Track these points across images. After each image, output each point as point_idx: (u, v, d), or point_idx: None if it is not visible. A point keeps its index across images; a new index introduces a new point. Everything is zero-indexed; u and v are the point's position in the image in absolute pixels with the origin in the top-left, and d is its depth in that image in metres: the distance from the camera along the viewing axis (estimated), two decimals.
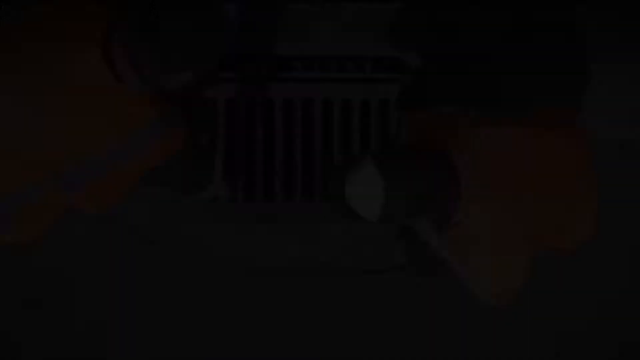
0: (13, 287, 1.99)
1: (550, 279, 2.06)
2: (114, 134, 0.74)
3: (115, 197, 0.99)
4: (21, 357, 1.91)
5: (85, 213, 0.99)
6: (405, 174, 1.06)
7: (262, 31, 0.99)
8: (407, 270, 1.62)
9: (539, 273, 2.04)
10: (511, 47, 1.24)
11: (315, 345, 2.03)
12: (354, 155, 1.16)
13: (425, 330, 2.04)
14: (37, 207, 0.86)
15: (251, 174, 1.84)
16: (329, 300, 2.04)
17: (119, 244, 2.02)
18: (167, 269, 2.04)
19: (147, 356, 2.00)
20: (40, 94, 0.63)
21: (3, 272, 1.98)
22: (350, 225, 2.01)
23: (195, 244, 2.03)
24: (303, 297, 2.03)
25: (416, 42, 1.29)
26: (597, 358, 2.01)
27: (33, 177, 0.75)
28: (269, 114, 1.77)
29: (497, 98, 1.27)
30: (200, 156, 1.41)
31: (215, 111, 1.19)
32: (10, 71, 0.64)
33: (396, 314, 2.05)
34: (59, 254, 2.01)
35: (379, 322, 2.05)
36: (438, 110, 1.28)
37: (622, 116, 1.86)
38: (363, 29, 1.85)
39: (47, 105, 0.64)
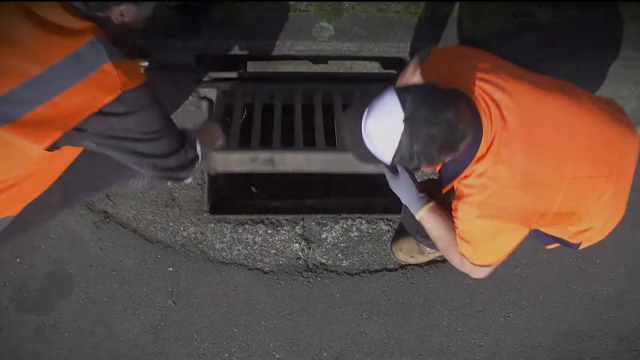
0: (13, 287, 1.98)
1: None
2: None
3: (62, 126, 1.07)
4: (20, 357, 1.90)
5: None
6: (428, 108, 1.03)
7: None
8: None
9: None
10: None
11: (315, 344, 2.01)
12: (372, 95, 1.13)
13: (425, 329, 2.03)
14: None
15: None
16: (328, 300, 2.02)
17: (118, 243, 2.01)
18: (167, 268, 2.03)
19: (147, 356, 1.99)
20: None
21: (3, 272, 1.96)
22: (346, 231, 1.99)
23: (195, 243, 2.02)
24: (303, 296, 2.01)
25: None
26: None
27: None
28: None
29: None
30: None
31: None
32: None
33: (396, 313, 2.03)
34: (59, 253, 2.00)
35: (379, 322, 2.03)
36: None
37: None
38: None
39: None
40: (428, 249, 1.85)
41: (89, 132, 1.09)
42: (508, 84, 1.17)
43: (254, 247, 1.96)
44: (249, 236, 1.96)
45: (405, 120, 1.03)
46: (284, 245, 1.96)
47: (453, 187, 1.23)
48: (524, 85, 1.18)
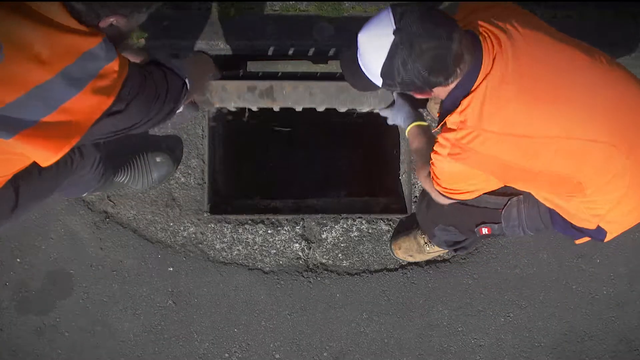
0: (13, 287, 1.98)
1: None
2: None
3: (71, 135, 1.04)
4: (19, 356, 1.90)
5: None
6: (421, 23, 1.00)
7: None
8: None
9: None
10: None
11: (315, 342, 2.01)
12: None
13: (424, 329, 2.03)
14: None
15: None
16: (328, 300, 2.02)
17: (118, 243, 2.01)
18: (168, 268, 2.03)
19: (147, 356, 1.99)
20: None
21: (3, 272, 1.96)
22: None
23: (195, 243, 2.02)
24: (303, 296, 2.01)
25: None
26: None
27: None
28: None
29: None
30: None
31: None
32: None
33: (396, 313, 2.03)
34: (59, 253, 2.00)
35: (379, 321, 2.03)
36: None
37: None
38: None
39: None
40: (428, 248, 1.85)
41: (95, 133, 1.08)
42: (519, 30, 1.11)
43: (254, 247, 1.96)
44: (249, 236, 1.96)
45: (396, 31, 1.01)
46: (284, 245, 1.96)
47: None
48: (536, 34, 1.12)
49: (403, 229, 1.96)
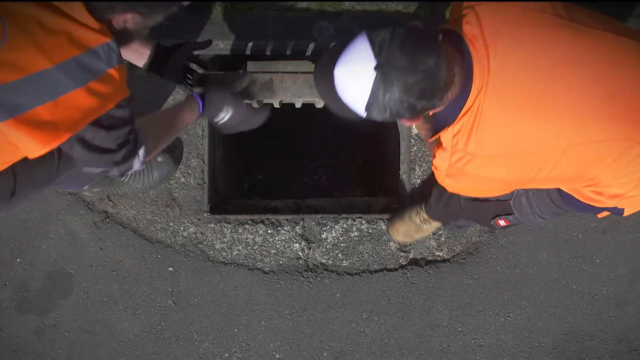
0: (13, 287, 1.98)
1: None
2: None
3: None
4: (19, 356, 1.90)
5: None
6: (404, 54, 0.91)
7: None
8: None
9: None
10: None
11: (315, 341, 2.01)
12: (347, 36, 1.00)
13: (424, 328, 2.03)
14: None
15: None
16: (328, 300, 2.02)
17: (118, 243, 2.01)
18: (167, 268, 2.03)
19: (147, 356, 1.99)
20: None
21: (3, 272, 1.96)
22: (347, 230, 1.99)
23: (195, 243, 2.02)
24: (303, 296, 2.02)
25: None
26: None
27: None
28: None
29: None
30: None
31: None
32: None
33: (396, 313, 2.03)
34: (59, 253, 2.00)
35: (379, 321, 2.03)
36: None
37: None
38: None
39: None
40: (425, 226, 1.83)
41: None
42: (510, 29, 1.03)
43: (254, 247, 1.96)
44: (249, 236, 1.96)
45: (377, 67, 0.92)
46: (284, 245, 1.96)
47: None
48: (527, 31, 1.02)
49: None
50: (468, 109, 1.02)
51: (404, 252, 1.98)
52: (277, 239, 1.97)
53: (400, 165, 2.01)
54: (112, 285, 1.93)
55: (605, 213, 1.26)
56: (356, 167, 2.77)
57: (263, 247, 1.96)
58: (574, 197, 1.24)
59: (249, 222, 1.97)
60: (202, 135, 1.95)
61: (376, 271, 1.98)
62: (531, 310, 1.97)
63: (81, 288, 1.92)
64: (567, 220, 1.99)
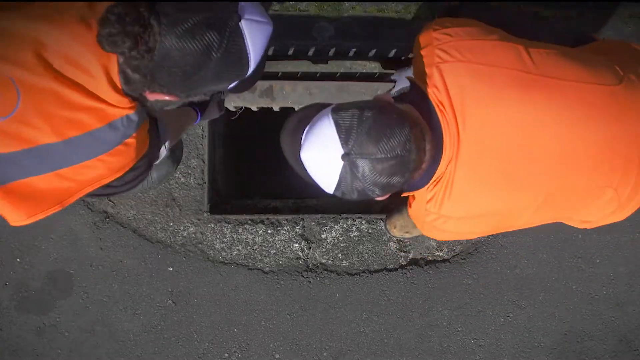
0: (13, 287, 1.98)
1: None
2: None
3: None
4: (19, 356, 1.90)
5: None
6: (371, 141, 0.88)
7: None
8: None
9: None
10: None
11: (316, 341, 2.01)
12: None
13: (423, 328, 2.03)
14: None
15: None
16: (328, 300, 2.02)
17: (118, 243, 2.01)
18: (167, 268, 2.03)
19: (147, 356, 1.99)
20: None
21: (3, 272, 1.96)
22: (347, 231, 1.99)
23: (195, 243, 2.02)
24: (303, 296, 2.01)
25: None
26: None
27: None
28: None
29: None
30: None
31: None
32: None
33: (396, 313, 2.03)
34: (59, 253, 2.00)
35: (379, 320, 2.03)
36: None
37: None
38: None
39: None
40: None
41: None
42: (477, 93, 0.99)
43: (254, 247, 1.96)
44: (249, 236, 1.96)
45: (344, 156, 0.89)
46: (284, 245, 1.96)
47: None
48: (497, 88, 0.98)
49: (395, 207, 1.95)
50: (439, 178, 1.01)
51: (404, 252, 1.98)
52: (277, 239, 1.97)
53: None
54: (112, 285, 1.93)
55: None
56: None
57: (263, 247, 1.96)
58: None
59: (249, 222, 1.97)
60: (202, 135, 1.95)
61: (376, 271, 1.98)
62: (531, 310, 1.97)
63: (81, 288, 1.92)
64: None
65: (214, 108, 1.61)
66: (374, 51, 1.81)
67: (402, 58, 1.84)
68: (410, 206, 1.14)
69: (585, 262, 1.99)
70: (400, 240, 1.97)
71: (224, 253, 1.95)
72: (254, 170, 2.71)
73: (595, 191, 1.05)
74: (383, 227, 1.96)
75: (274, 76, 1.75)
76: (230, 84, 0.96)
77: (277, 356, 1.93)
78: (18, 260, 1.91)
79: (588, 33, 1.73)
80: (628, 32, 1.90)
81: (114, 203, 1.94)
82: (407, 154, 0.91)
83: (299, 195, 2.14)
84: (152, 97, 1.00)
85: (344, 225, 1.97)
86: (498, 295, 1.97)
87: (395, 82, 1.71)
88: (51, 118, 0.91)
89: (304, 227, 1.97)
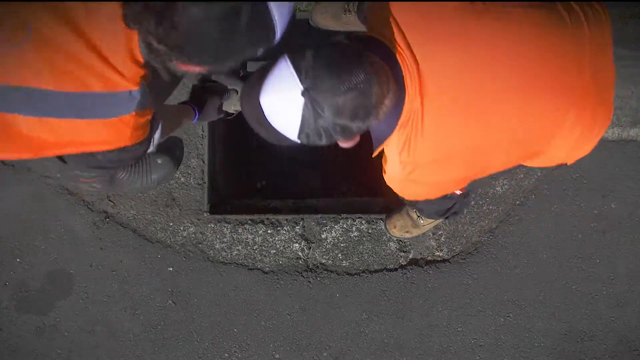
0: (13, 287, 1.98)
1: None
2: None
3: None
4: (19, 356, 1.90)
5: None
6: (330, 74, 0.86)
7: None
8: None
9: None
10: None
11: (315, 340, 2.01)
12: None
13: (423, 327, 2.03)
14: None
15: None
16: (328, 300, 2.02)
17: (118, 243, 2.01)
18: (167, 268, 2.03)
19: (147, 356, 1.99)
20: None
21: (3, 272, 1.96)
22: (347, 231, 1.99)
23: (195, 243, 2.02)
24: (303, 296, 2.01)
25: None
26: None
27: None
28: None
29: None
30: None
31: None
32: None
33: (396, 313, 2.03)
34: (59, 253, 2.00)
35: (380, 320, 2.03)
36: None
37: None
38: None
39: None
40: (422, 220, 1.83)
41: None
42: (429, 25, 0.98)
43: (254, 247, 1.96)
44: (249, 236, 1.96)
45: (304, 92, 0.87)
46: (284, 245, 1.96)
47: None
48: (456, 34, 0.98)
49: (395, 207, 1.96)
50: (407, 120, 1.00)
51: (404, 252, 1.98)
52: (277, 239, 1.97)
53: None
54: (112, 285, 1.93)
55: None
56: (356, 166, 2.77)
57: (263, 247, 1.96)
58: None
59: (249, 222, 1.97)
60: (202, 135, 1.95)
61: (376, 271, 1.98)
62: (531, 310, 1.97)
63: (81, 288, 1.92)
64: (567, 220, 1.99)
65: (213, 110, 1.63)
66: None
67: None
68: (385, 172, 1.12)
69: (585, 262, 1.99)
70: (400, 240, 1.97)
71: (224, 253, 1.95)
72: (254, 170, 2.71)
73: (558, 115, 1.04)
74: (383, 227, 1.96)
75: None
76: (258, 51, 0.94)
77: (277, 356, 1.93)
78: (18, 260, 1.91)
79: None
80: (628, 32, 1.90)
81: (114, 203, 1.94)
82: (368, 86, 0.89)
83: (299, 196, 2.14)
84: (184, 67, 0.99)
85: (344, 225, 1.97)
86: (498, 295, 1.97)
87: None
88: (54, 66, 0.91)
89: (304, 227, 1.97)
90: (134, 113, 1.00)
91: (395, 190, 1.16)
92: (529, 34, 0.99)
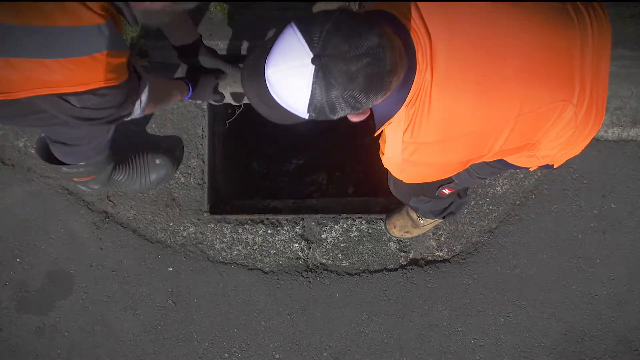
0: (13, 287, 1.98)
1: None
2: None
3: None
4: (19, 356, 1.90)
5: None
6: (341, 39, 0.80)
7: None
8: None
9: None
10: None
11: (315, 340, 2.01)
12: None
13: (423, 328, 2.03)
14: None
15: None
16: (328, 300, 2.02)
17: (118, 243, 2.01)
18: (167, 268, 2.03)
19: (147, 356, 1.99)
20: None
21: (3, 272, 1.96)
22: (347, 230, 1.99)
23: (195, 243, 2.02)
24: (303, 296, 2.01)
25: None
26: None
27: None
28: None
29: None
30: None
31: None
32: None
33: (396, 313, 2.03)
34: (59, 253, 2.00)
35: (379, 320, 2.03)
36: None
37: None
38: None
39: None
40: (421, 221, 1.83)
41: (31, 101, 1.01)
42: (454, 11, 0.95)
43: (254, 247, 1.96)
44: (249, 236, 1.96)
45: (314, 59, 0.80)
46: (284, 245, 1.96)
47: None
48: (467, 15, 0.96)
49: (395, 207, 1.96)
50: (415, 97, 0.94)
51: (404, 252, 1.98)
52: (277, 239, 1.97)
53: None
54: (112, 285, 1.92)
55: (534, 168, 1.26)
56: (356, 166, 2.77)
57: (263, 247, 1.96)
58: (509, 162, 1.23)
59: (249, 222, 1.97)
60: (202, 135, 1.95)
61: (376, 271, 1.98)
62: (531, 310, 1.97)
63: (81, 288, 1.92)
64: (567, 220, 1.99)
65: (207, 89, 1.60)
66: None
67: None
68: (382, 154, 1.10)
69: (585, 262, 1.99)
70: (400, 240, 1.97)
71: (224, 253, 1.95)
72: (254, 170, 2.71)
73: (557, 106, 1.02)
74: (383, 227, 1.96)
75: None
76: None
77: (277, 356, 1.93)
78: (18, 260, 1.91)
79: None
80: (628, 32, 1.90)
81: (114, 203, 1.94)
82: (382, 52, 0.83)
83: (299, 195, 2.14)
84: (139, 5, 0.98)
85: (344, 225, 1.97)
86: (498, 295, 1.97)
87: None
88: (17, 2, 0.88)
89: (304, 227, 1.97)
90: (105, 52, 0.96)
91: (392, 173, 1.14)
92: (539, 25, 0.98)
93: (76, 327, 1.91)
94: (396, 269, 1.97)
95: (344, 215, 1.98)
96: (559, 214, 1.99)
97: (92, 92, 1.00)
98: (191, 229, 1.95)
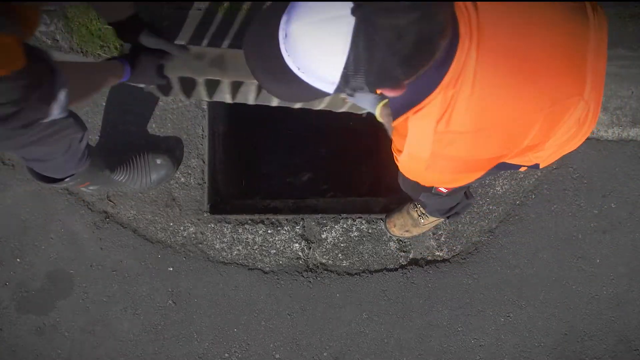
0: (13, 287, 1.98)
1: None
2: None
3: None
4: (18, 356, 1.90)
5: None
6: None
7: None
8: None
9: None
10: None
11: (315, 340, 2.01)
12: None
13: (423, 328, 2.03)
14: None
15: None
16: (328, 300, 2.02)
17: (118, 243, 2.01)
18: (167, 268, 2.03)
19: (147, 356, 1.99)
20: None
21: (3, 272, 1.96)
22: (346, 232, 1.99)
23: (195, 243, 2.02)
24: (303, 296, 2.01)
25: None
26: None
27: None
28: None
29: None
30: None
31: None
32: None
33: (396, 313, 2.03)
34: (59, 253, 2.00)
35: (379, 320, 2.03)
36: None
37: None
38: None
39: None
40: (422, 220, 1.83)
41: None
42: None
43: (254, 247, 1.96)
44: (249, 236, 1.96)
45: (355, 9, 0.64)
46: (284, 245, 1.96)
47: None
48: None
49: (395, 207, 1.96)
50: (456, 79, 0.81)
51: (404, 252, 1.98)
52: (277, 239, 1.97)
53: None
54: (112, 285, 1.92)
55: (524, 168, 1.21)
56: (356, 166, 2.78)
57: (263, 247, 1.96)
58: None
59: (249, 222, 1.97)
60: (202, 135, 1.95)
61: (376, 271, 1.98)
62: (531, 310, 1.97)
63: (81, 288, 1.92)
64: (567, 220, 1.99)
65: (150, 71, 1.38)
66: None
67: None
68: (398, 151, 0.97)
69: (585, 262, 1.99)
70: (400, 240, 1.97)
71: (224, 253, 1.95)
72: (254, 170, 2.71)
73: (572, 102, 0.95)
74: (383, 227, 1.96)
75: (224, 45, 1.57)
76: None
77: (277, 356, 1.93)
78: (18, 260, 1.91)
79: None
80: (628, 32, 1.90)
81: (114, 203, 1.93)
82: (433, 8, 0.68)
83: (299, 196, 2.14)
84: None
85: (344, 225, 1.97)
86: (498, 295, 1.97)
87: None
88: None
89: (304, 227, 1.97)
90: None
91: (411, 173, 1.00)
92: (564, 23, 0.93)
93: (76, 327, 1.91)
94: (396, 269, 1.97)
95: (344, 215, 1.98)
96: (559, 214, 2.00)
97: None
98: (191, 229, 1.95)
